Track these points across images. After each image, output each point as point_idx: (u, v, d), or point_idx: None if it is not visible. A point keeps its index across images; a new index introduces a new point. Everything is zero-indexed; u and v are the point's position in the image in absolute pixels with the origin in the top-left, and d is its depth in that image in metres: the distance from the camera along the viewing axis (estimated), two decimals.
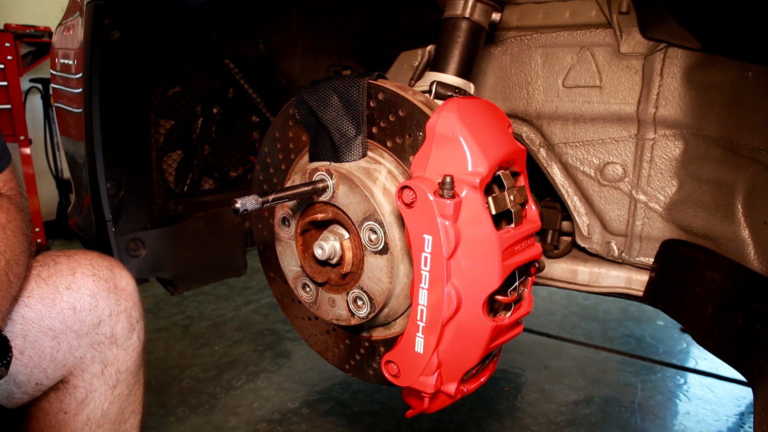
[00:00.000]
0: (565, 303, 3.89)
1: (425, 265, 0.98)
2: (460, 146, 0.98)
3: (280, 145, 1.32)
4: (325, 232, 1.17)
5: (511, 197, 1.03)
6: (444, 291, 0.97)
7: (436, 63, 1.29)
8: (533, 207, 1.10)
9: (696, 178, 1.39)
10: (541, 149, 1.62)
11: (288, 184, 1.27)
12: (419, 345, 1.02)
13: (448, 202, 0.94)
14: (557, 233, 1.71)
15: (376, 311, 1.13)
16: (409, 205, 0.97)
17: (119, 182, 1.75)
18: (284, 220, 1.25)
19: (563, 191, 1.62)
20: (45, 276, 1.20)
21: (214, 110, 2.02)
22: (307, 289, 1.25)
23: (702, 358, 3.14)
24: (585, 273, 1.66)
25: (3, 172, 1.22)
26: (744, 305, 1.22)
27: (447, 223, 0.95)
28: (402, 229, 1.08)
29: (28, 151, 4.67)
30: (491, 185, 1.05)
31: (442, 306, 0.97)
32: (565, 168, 1.60)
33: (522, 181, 1.10)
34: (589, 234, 1.61)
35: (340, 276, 1.17)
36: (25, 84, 4.84)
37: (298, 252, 1.24)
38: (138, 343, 1.34)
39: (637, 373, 2.99)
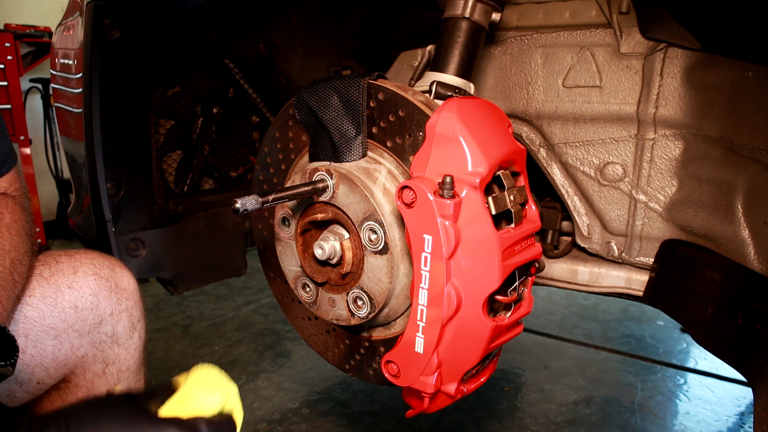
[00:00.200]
0: (565, 303, 3.89)
1: (425, 265, 0.98)
2: (460, 146, 0.98)
3: (280, 145, 1.32)
4: (325, 232, 1.17)
5: (511, 197, 1.03)
6: (444, 291, 0.97)
7: (436, 63, 1.29)
8: (533, 207, 1.10)
9: (696, 178, 1.39)
10: (541, 149, 1.62)
11: (288, 184, 1.27)
12: (419, 345, 1.02)
13: (448, 202, 0.94)
14: (557, 233, 1.71)
15: (376, 311, 1.13)
16: (409, 205, 0.97)
17: (119, 182, 1.75)
18: (284, 220, 1.25)
19: (563, 191, 1.62)
20: (47, 275, 1.20)
21: (214, 110, 2.01)
22: (307, 289, 1.25)
23: (702, 358, 3.14)
24: (585, 273, 1.66)
25: (9, 173, 1.22)
26: (744, 305, 1.22)
27: (447, 223, 0.95)
28: (402, 229, 1.08)
29: (28, 151, 4.67)
30: (491, 185, 1.05)
31: (442, 306, 0.98)
32: (565, 168, 1.60)
33: (522, 181, 1.11)
34: (589, 234, 1.62)
35: (340, 276, 1.17)
36: (25, 84, 4.84)
37: (298, 252, 1.24)
38: (139, 343, 1.34)
39: (637, 373, 2.99)
